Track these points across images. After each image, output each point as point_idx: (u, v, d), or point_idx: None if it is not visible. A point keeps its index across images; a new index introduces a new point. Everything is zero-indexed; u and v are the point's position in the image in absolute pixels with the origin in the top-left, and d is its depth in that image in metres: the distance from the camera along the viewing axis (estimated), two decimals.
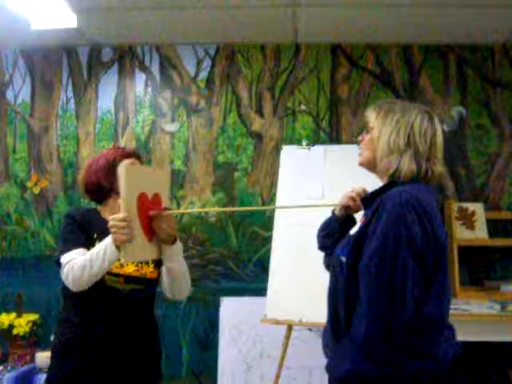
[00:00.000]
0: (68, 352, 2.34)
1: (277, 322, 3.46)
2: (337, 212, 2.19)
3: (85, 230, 2.36)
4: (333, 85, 4.40)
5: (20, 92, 4.56)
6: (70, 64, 4.54)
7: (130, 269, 2.37)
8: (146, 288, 2.44)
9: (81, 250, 2.27)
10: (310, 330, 3.84)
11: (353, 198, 2.14)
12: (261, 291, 3.71)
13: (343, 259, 1.88)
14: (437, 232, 1.79)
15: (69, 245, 2.30)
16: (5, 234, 4.45)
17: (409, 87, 4.37)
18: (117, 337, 2.34)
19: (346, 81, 4.40)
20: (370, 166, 1.99)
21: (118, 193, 2.35)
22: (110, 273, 2.29)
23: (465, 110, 4.34)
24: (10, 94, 4.56)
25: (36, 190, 4.45)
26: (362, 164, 2.02)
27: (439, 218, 1.86)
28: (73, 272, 2.18)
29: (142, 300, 2.47)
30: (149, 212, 2.14)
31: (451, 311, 3.32)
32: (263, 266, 4.16)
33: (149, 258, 2.34)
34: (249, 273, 4.32)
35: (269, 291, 3.55)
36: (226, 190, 4.38)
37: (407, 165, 1.87)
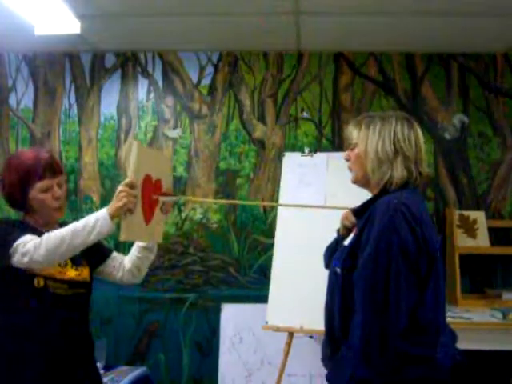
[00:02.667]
0: (5, 365, 2.19)
1: (278, 329, 3.45)
2: (341, 231, 2.21)
3: (26, 230, 2.19)
4: (335, 92, 4.41)
5: (23, 97, 4.56)
6: (72, 70, 4.55)
7: (72, 273, 2.29)
8: (86, 292, 2.37)
9: (34, 236, 2.11)
10: (311, 337, 3.83)
11: (347, 218, 2.15)
12: (262, 298, 3.71)
13: (338, 270, 1.90)
14: (428, 236, 1.81)
15: (18, 233, 2.13)
16: None
17: (411, 95, 4.38)
18: (58, 346, 2.23)
19: (348, 88, 4.41)
20: (363, 181, 2.02)
21: (32, 209, 2.28)
22: (52, 279, 2.21)
23: (467, 118, 4.35)
24: (12, 100, 4.57)
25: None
26: (355, 182, 2.05)
27: (430, 222, 1.89)
28: (47, 242, 2.03)
29: (83, 306, 2.39)
30: (151, 195, 2.16)
31: (452, 319, 3.33)
32: (264, 273, 4.16)
33: (145, 240, 2.34)
34: (250, 279, 4.31)
35: (270, 298, 3.54)
36: (228, 196, 4.38)
37: (399, 172, 1.91)
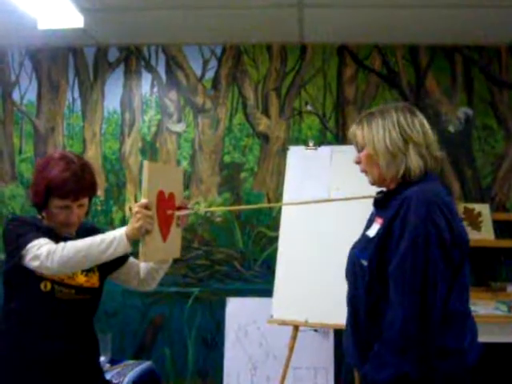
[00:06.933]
0: (8, 367, 2.19)
1: (283, 323, 3.46)
2: None
3: (42, 232, 2.18)
4: (339, 85, 4.40)
5: (26, 92, 4.56)
6: (76, 64, 4.54)
7: (81, 279, 2.27)
8: (92, 298, 2.35)
9: (49, 241, 2.11)
10: (315, 330, 3.84)
11: None
12: (267, 292, 3.71)
13: (364, 262, 1.87)
14: (460, 227, 1.83)
15: (33, 234, 2.12)
16: None
17: (415, 88, 4.37)
18: (60, 350, 2.22)
19: (352, 81, 4.40)
20: (381, 181, 1.98)
21: (48, 214, 2.27)
22: (61, 284, 2.20)
23: (471, 111, 4.33)
24: (16, 95, 4.57)
25: None
26: (374, 183, 2.02)
27: (458, 213, 1.89)
28: (62, 253, 2.02)
29: (88, 311, 2.37)
30: (165, 211, 2.14)
31: None
32: (269, 267, 4.15)
33: (164, 258, 2.32)
34: (255, 273, 4.32)
35: (275, 292, 3.55)
36: (232, 190, 4.38)
37: (414, 161, 1.88)
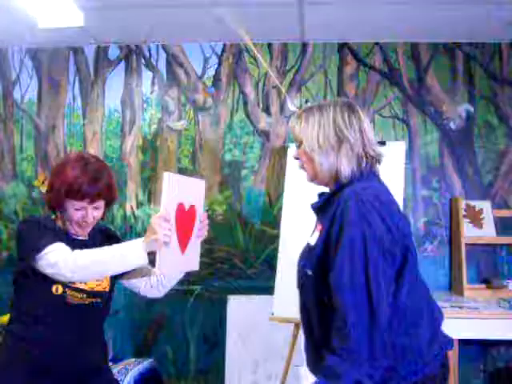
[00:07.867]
0: (16, 368, 2.20)
1: (284, 321, 3.46)
2: None
3: (55, 234, 2.21)
4: (340, 83, 4.39)
5: (27, 91, 4.56)
6: (76, 63, 4.54)
7: (92, 284, 2.26)
8: (102, 301, 2.34)
9: (66, 247, 2.12)
10: None
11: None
12: (268, 289, 3.71)
13: (309, 272, 1.83)
14: (399, 224, 1.75)
15: (48, 238, 2.13)
16: (12, 232, 4.45)
17: (416, 85, 4.36)
18: (69, 353, 2.23)
19: (353, 79, 4.39)
20: (319, 178, 1.92)
21: (62, 215, 2.27)
22: (73, 288, 2.20)
23: (472, 108, 4.33)
24: (16, 93, 4.57)
25: (43, 189, 4.45)
26: (310, 180, 1.97)
27: (398, 208, 1.83)
28: (78, 260, 2.04)
29: (98, 314, 2.38)
30: (185, 224, 2.12)
31: (459, 309, 3.32)
32: (270, 264, 4.15)
33: (181, 270, 2.33)
34: (256, 271, 4.31)
35: (276, 289, 3.55)
36: (233, 188, 4.38)
37: (345, 161, 1.83)
